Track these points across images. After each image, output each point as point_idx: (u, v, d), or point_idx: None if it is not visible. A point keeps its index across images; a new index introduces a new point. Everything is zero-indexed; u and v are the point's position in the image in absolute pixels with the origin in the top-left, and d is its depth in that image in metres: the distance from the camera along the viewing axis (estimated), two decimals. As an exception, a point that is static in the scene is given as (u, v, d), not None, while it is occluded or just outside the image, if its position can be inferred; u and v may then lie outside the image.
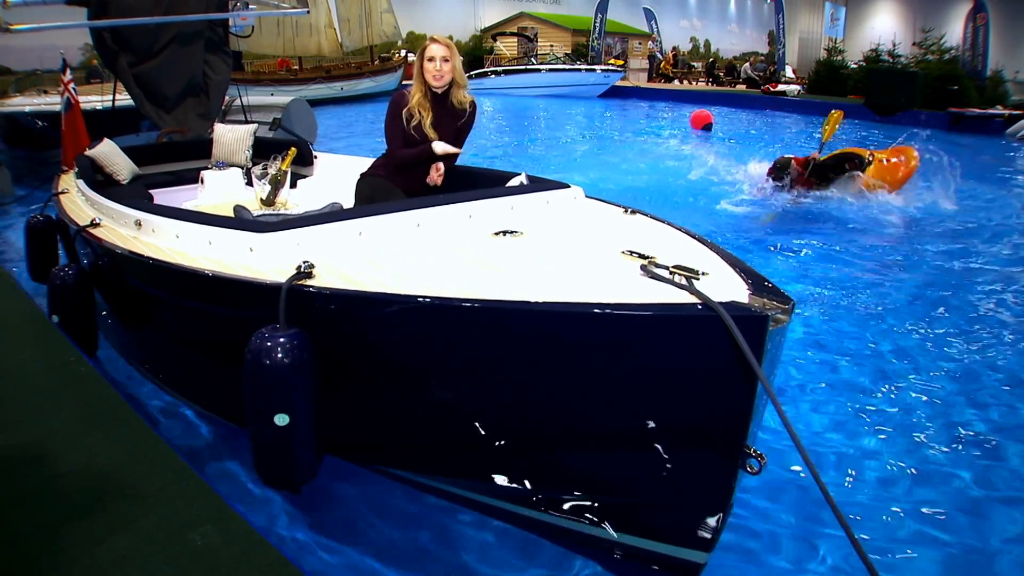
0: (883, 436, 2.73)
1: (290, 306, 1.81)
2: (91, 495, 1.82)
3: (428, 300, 1.68)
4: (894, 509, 2.29)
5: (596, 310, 1.52)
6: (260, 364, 1.76)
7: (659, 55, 28.29)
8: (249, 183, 4.28)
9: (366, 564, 2.04)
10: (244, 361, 1.79)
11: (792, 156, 6.88)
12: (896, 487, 2.42)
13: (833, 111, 6.84)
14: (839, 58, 20.82)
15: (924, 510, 2.29)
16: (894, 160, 6.68)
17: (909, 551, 2.11)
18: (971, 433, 2.75)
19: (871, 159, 6.62)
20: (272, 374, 1.77)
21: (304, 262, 1.89)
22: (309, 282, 1.85)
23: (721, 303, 1.45)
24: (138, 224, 2.56)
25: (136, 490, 1.85)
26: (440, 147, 2.96)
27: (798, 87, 20.77)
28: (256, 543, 1.65)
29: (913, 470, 2.50)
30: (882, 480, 2.46)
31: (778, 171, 6.75)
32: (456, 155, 3.06)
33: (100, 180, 4.13)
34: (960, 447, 2.66)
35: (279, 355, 1.76)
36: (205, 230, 2.27)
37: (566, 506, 1.92)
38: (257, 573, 1.56)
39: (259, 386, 1.81)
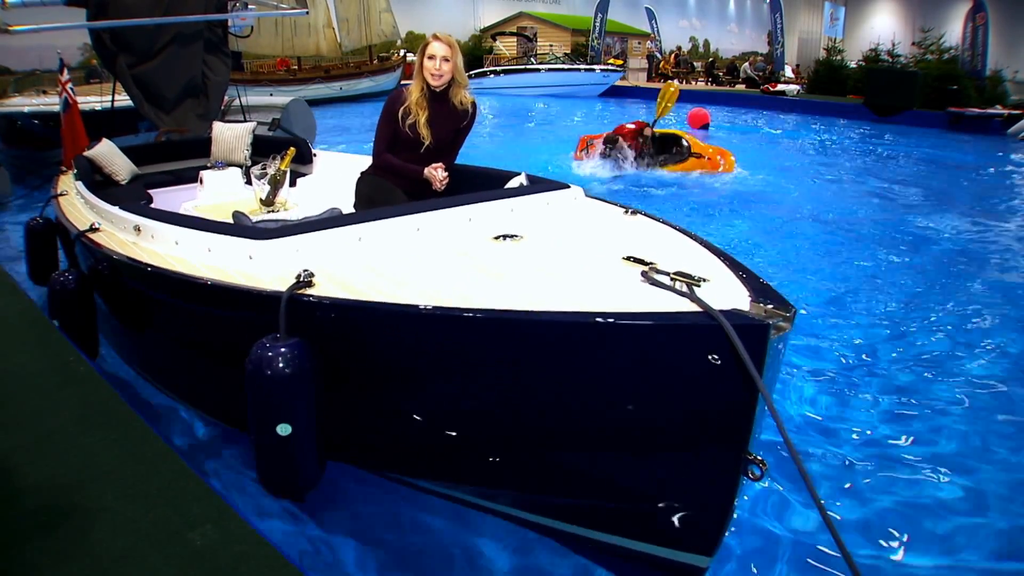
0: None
1: (290, 315, 1.80)
2: (91, 495, 1.82)
3: (429, 310, 1.67)
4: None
5: (597, 319, 1.51)
6: (262, 375, 1.76)
7: (658, 55, 28.29)
8: (248, 182, 4.26)
9: (367, 565, 2.04)
10: (245, 372, 1.78)
11: (624, 126, 7.92)
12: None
13: (670, 83, 7.96)
14: (838, 58, 20.82)
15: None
16: (716, 158, 7.90)
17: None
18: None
19: (688, 146, 7.86)
20: (274, 385, 1.76)
21: (304, 270, 1.88)
22: (309, 291, 1.84)
23: (722, 311, 1.44)
24: (137, 229, 2.55)
25: (136, 490, 1.84)
26: (430, 174, 2.96)
27: (797, 87, 20.77)
28: (256, 543, 1.64)
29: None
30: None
31: (608, 145, 7.77)
32: (445, 179, 2.99)
33: (99, 180, 4.13)
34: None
35: (280, 365, 1.75)
36: (204, 236, 2.27)
37: (570, 511, 1.92)
38: (257, 573, 1.56)
39: (261, 397, 1.80)
